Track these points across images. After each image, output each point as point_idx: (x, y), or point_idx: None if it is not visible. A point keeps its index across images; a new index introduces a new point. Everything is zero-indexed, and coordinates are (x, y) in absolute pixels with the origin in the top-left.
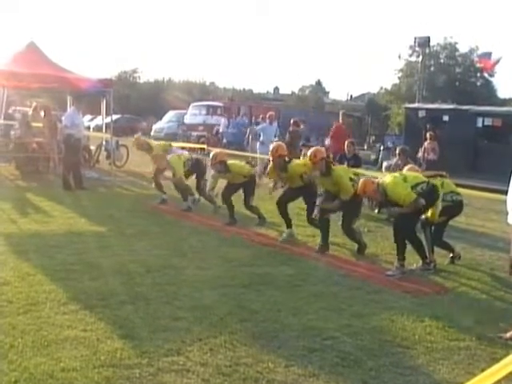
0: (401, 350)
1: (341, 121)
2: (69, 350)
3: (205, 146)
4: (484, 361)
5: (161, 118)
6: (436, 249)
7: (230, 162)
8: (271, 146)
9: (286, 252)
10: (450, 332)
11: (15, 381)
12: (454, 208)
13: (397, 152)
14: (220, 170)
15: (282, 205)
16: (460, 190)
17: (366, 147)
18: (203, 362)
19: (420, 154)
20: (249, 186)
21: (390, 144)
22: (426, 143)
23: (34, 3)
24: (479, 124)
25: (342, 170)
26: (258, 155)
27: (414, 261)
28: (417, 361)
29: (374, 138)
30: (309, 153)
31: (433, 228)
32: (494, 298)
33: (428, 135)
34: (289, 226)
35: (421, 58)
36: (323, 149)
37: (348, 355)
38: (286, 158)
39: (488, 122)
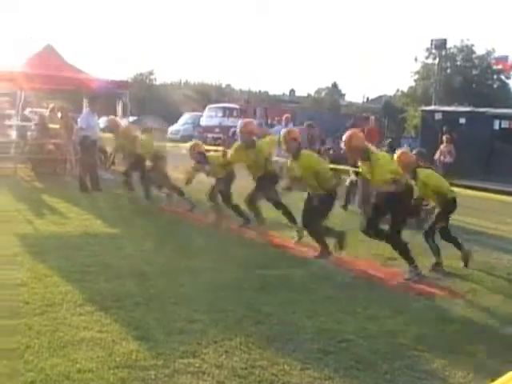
0: (416, 353)
1: (373, 124)
2: (85, 351)
3: (221, 149)
4: (500, 365)
5: (176, 120)
6: (450, 252)
7: (208, 154)
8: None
9: (298, 254)
10: (465, 335)
11: (31, 381)
12: (448, 205)
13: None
14: (199, 160)
15: (250, 203)
16: (476, 192)
17: (381, 150)
18: (218, 364)
19: (436, 157)
20: (227, 179)
21: (406, 146)
22: (442, 146)
23: (49, 4)
24: (496, 126)
25: (310, 156)
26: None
27: (429, 264)
28: (432, 364)
29: (390, 140)
30: (282, 132)
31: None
32: (511, 301)
33: (444, 138)
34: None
35: (437, 60)
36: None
37: (363, 358)
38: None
39: (505, 124)
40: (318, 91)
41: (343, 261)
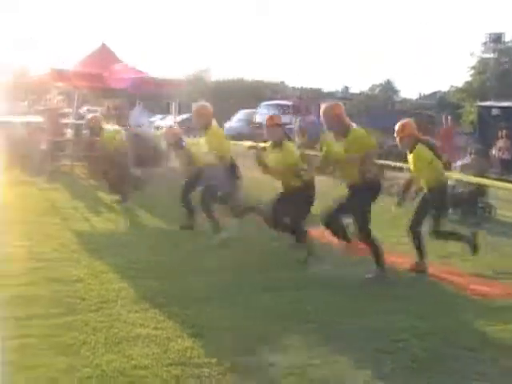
0: (469, 354)
1: (449, 124)
2: (140, 347)
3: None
4: None
5: (231, 118)
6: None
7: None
8: None
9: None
10: None
11: (88, 377)
12: (441, 192)
13: (470, 151)
14: (180, 145)
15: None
16: None
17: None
18: (272, 362)
19: (494, 153)
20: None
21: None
22: (500, 142)
23: (104, 2)
24: None
25: (293, 146)
26: None
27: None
28: (485, 366)
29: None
30: (266, 118)
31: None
32: None
33: (502, 134)
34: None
35: (494, 54)
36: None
37: (416, 358)
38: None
39: None
40: (372, 88)
41: (401, 260)
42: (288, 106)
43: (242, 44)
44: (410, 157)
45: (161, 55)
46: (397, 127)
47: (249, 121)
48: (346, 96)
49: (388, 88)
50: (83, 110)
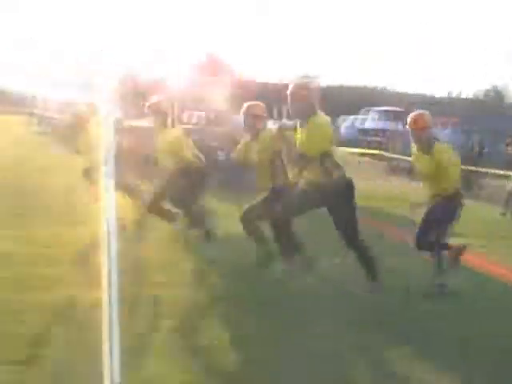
0: None
1: None
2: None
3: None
4: None
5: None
6: None
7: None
8: None
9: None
10: None
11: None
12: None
13: None
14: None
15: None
16: None
17: None
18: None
19: None
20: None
21: None
22: None
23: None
24: None
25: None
26: None
27: None
28: None
29: None
30: (243, 107)
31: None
32: None
33: None
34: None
35: None
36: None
37: (497, 364)
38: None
39: None
40: (479, 92)
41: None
42: (400, 113)
43: (345, 49)
44: (424, 158)
45: (264, 61)
46: (409, 119)
47: (354, 127)
48: (451, 101)
49: (496, 93)
50: (186, 114)
